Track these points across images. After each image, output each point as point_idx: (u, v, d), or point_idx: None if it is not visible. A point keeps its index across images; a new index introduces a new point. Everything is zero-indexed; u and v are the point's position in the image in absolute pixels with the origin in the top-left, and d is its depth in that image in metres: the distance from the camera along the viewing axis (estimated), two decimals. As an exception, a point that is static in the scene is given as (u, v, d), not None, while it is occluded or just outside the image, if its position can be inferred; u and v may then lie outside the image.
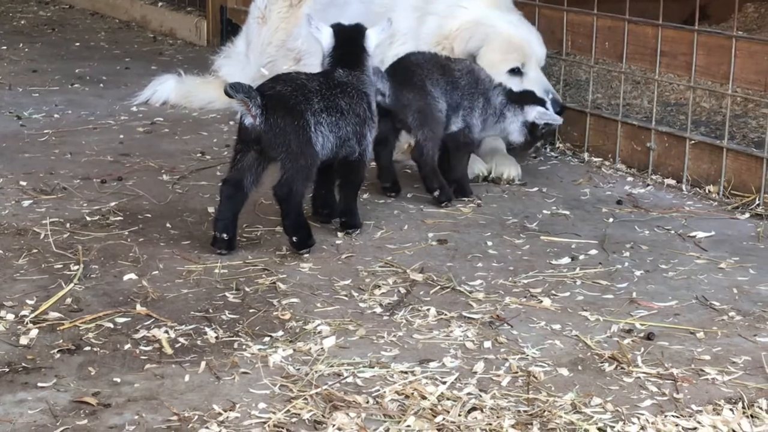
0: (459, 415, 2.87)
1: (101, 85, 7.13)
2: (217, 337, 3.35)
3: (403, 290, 3.75)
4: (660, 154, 5.17)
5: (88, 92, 6.91)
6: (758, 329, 3.47)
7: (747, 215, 4.60)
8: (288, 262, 4.00)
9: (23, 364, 3.16)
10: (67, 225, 4.33)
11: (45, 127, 5.93)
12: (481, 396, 2.98)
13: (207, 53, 7.65)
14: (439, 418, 2.85)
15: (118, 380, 3.07)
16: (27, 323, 3.42)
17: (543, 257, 4.10)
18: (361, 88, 4.22)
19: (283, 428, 2.83)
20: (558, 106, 5.01)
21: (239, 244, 4.11)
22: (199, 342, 3.33)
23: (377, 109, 4.35)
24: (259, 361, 3.19)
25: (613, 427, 2.84)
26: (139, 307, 3.55)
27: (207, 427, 2.82)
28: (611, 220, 4.56)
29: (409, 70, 4.67)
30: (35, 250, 4.05)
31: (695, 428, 2.84)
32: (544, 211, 4.65)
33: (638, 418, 2.88)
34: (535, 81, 5.06)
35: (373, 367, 3.16)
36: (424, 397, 2.96)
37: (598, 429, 2.83)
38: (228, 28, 8.36)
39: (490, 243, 4.24)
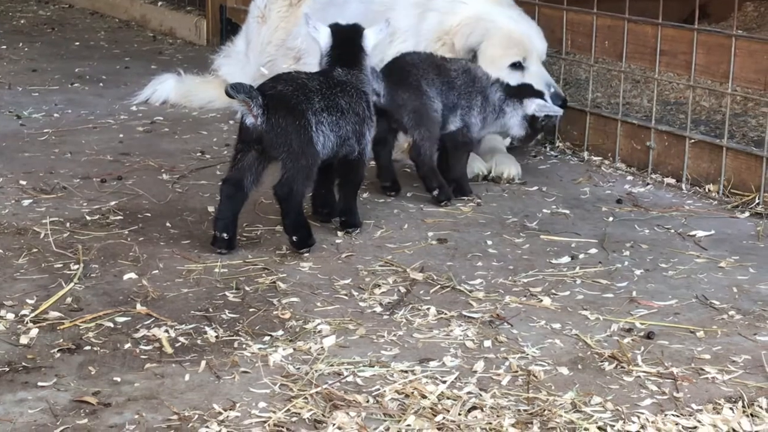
0: (459, 414, 2.87)
1: (101, 84, 7.14)
2: (217, 337, 3.35)
3: (403, 289, 3.75)
4: (660, 153, 5.17)
5: (88, 91, 6.92)
6: (758, 328, 3.47)
7: (747, 214, 4.60)
8: (288, 262, 4.00)
9: (23, 364, 3.16)
10: (67, 224, 4.33)
11: (45, 127, 5.93)
12: (481, 395, 2.98)
13: (207, 52, 7.65)
14: (439, 417, 2.85)
15: (119, 379, 3.07)
16: (27, 323, 3.42)
17: (543, 256, 4.10)
18: (360, 87, 4.22)
19: (283, 427, 2.83)
20: (560, 100, 5.01)
21: (239, 243, 4.11)
22: (199, 341, 3.33)
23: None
24: (259, 361, 3.19)
25: (613, 426, 2.84)
26: (139, 307, 3.55)
27: (207, 427, 2.82)
28: (611, 219, 4.57)
29: (405, 70, 4.67)
30: (35, 250, 4.05)
31: (695, 427, 2.84)
32: (544, 210, 4.65)
33: (638, 417, 2.88)
34: (536, 75, 5.07)
35: (373, 367, 3.16)
36: (424, 396, 2.96)
37: (598, 428, 2.83)
38: (228, 27, 8.36)
39: (490, 242, 4.25)
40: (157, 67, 7.55)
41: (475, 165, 5.05)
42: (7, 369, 3.12)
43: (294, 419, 2.87)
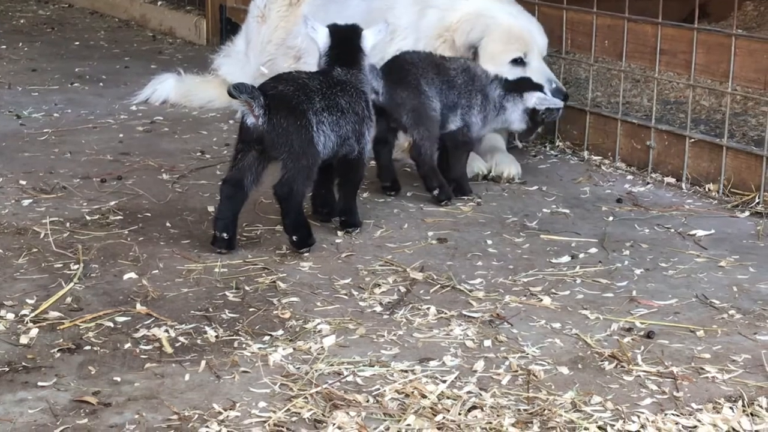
0: (459, 414, 2.87)
1: (101, 84, 7.14)
2: (217, 336, 3.35)
3: (403, 289, 3.75)
4: (660, 152, 5.17)
5: (88, 91, 6.92)
6: (758, 327, 3.47)
7: (747, 213, 4.60)
8: (288, 261, 4.00)
9: (23, 364, 3.16)
10: (67, 224, 4.33)
11: (44, 126, 5.93)
12: (481, 395, 2.98)
13: (206, 52, 7.64)
14: (439, 417, 2.85)
15: (119, 379, 3.07)
16: (27, 322, 3.42)
17: (543, 256, 4.10)
18: (359, 86, 4.22)
19: (283, 427, 2.83)
20: (561, 95, 5.02)
21: (239, 243, 4.11)
22: (199, 341, 3.33)
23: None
24: (259, 360, 3.19)
25: (613, 425, 2.84)
26: (139, 307, 3.55)
27: (207, 426, 2.82)
28: (611, 218, 4.57)
29: (404, 69, 4.67)
30: (35, 250, 4.05)
31: (695, 426, 2.84)
32: (544, 210, 4.65)
33: (638, 417, 2.88)
34: (537, 71, 5.07)
35: (373, 366, 3.16)
36: (424, 396, 2.96)
37: (598, 428, 2.83)
38: (227, 26, 8.36)
39: (489, 242, 4.25)
40: (156, 66, 7.55)
41: (475, 164, 5.05)
42: (7, 369, 3.12)
43: (294, 419, 2.87)
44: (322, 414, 2.88)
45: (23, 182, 4.87)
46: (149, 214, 4.49)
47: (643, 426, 2.84)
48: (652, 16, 5.25)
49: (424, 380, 3.06)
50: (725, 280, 3.88)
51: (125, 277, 3.82)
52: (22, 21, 9.80)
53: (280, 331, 3.39)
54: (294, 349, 3.26)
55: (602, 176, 5.20)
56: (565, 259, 4.06)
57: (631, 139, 5.32)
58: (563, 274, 3.90)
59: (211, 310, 3.57)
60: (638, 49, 5.34)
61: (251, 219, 4.39)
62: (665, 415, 2.89)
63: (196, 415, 2.88)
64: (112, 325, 3.43)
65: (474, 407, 2.91)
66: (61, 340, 3.32)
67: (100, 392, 2.99)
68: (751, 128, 5.54)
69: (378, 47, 4.64)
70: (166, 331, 3.38)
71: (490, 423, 2.83)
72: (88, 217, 4.43)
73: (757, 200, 4.66)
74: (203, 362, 3.17)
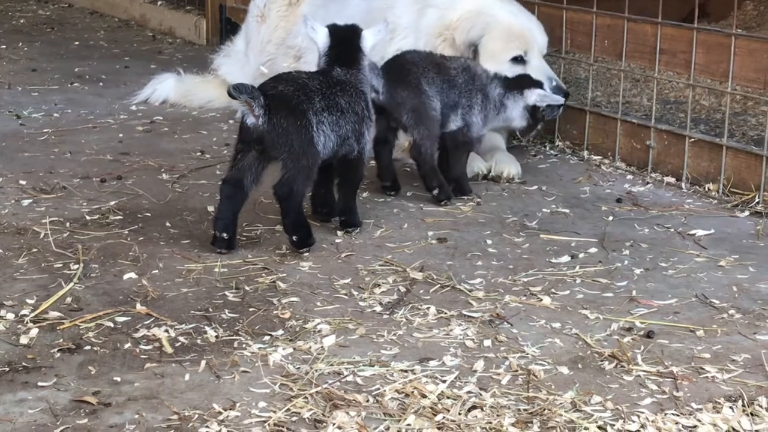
0: (459, 414, 2.87)
1: (101, 84, 7.13)
2: (217, 336, 3.35)
3: (402, 289, 3.75)
4: (659, 152, 5.17)
5: (88, 91, 6.91)
6: (758, 327, 3.48)
7: (746, 213, 4.60)
8: (288, 261, 4.00)
9: (23, 364, 3.16)
10: (67, 224, 4.33)
11: (44, 126, 5.93)
12: (481, 394, 2.99)
13: (206, 52, 7.64)
14: (439, 417, 2.85)
15: (119, 379, 3.07)
16: (27, 322, 3.43)
17: (543, 255, 4.10)
18: (358, 86, 4.22)
19: (283, 427, 2.83)
20: (562, 93, 5.02)
21: (239, 243, 4.11)
22: (199, 341, 3.33)
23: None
24: (259, 360, 3.19)
25: (613, 425, 2.84)
26: (139, 306, 3.56)
27: (207, 426, 2.83)
28: (611, 218, 4.57)
29: (404, 69, 4.67)
30: (35, 250, 4.05)
31: (695, 426, 2.84)
32: (544, 210, 4.65)
33: (638, 417, 2.88)
34: (537, 69, 5.07)
35: (373, 366, 3.16)
36: (424, 396, 2.96)
37: (598, 427, 2.83)
38: (227, 26, 8.36)
39: (489, 241, 4.25)
40: (156, 66, 7.55)
41: (475, 164, 5.05)
42: (7, 369, 3.12)
43: (294, 419, 2.87)
44: (322, 414, 2.88)
45: (23, 182, 4.87)
46: (149, 214, 4.49)
47: (643, 426, 2.84)
48: (651, 15, 5.25)
49: (424, 380, 3.06)
50: (725, 279, 3.88)
51: (125, 277, 3.82)
52: (22, 21, 9.80)
53: (280, 331, 3.39)
54: (294, 349, 3.26)
55: (602, 176, 5.20)
56: (565, 258, 4.06)
57: (630, 139, 5.32)
58: (563, 274, 3.90)
59: (211, 310, 3.57)
60: (638, 49, 5.34)
61: (251, 219, 4.39)
62: (665, 414, 2.89)
63: (196, 415, 2.88)
64: (112, 325, 3.43)
65: (474, 407, 2.91)
66: (61, 340, 3.32)
67: (100, 392, 2.99)
68: (751, 128, 5.54)
69: (378, 46, 4.64)
70: (166, 331, 3.39)
71: (490, 423, 2.83)
72: (88, 217, 4.43)
73: (756, 200, 4.66)
74: (203, 362, 3.17)
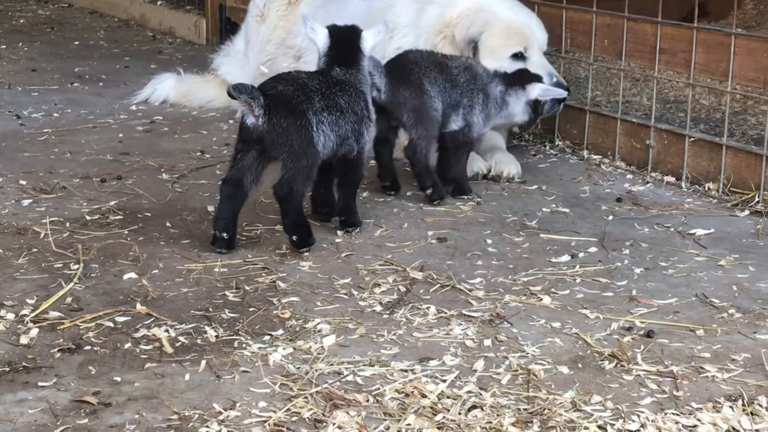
0: (459, 414, 2.87)
1: (101, 83, 7.14)
2: (217, 336, 3.35)
3: (402, 288, 3.75)
4: (659, 151, 5.17)
5: (88, 91, 6.92)
6: (758, 326, 3.48)
7: (746, 212, 4.60)
8: (288, 261, 4.00)
9: (24, 364, 3.16)
10: (67, 224, 4.34)
11: (44, 126, 5.93)
12: (481, 394, 2.99)
13: (206, 52, 7.64)
14: (439, 417, 2.85)
15: (119, 379, 3.07)
16: (27, 322, 3.43)
17: (543, 255, 4.10)
18: (358, 86, 4.22)
19: (283, 427, 2.83)
20: (563, 89, 5.02)
21: (239, 242, 4.11)
22: (199, 341, 3.33)
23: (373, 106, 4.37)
24: (259, 360, 3.19)
25: (613, 424, 2.84)
26: (139, 306, 3.56)
27: (207, 426, 2.83)
28: (611, 217, 4.57)
29: (407, 69, 4.67)
30: (35, 250, 4.05)
31: (695, 426, 2.84)
32: (544, 209, 4.65)
33: (638, 416, 2.88)
34: (538, 65, 5.07)
35: (373, 366, 3.16)
36: (424, 396, 2.96)
37: (598, 427, 2.83)
38: (227, 26, 8.36)
39: (489, 241, 4.25)
40: (156, 66, 7.55)
41: (475, 164, 5.05)
42: (8, 369, 3.12)
43: (294, 419, 2.87)
44: (323, 414, 2.88)
45: (23, 182, 4.87)
46: (149, 214, 4.49)
47: (643, 425, 2.84)
48: (651, 15, 5.25)
49: (424, 380, 3.06)
50: (725, 279, 3.88)
51: (125, 277, 3.82)
52: (21, 21, 9.80)
53: (280, 331, 3.39)
54: (294, 348, 3.26)
55: (602, 175, 5.20)
56: (565, 258, 4.06)
57: (630, 138, 5.32)
58: (563, 274, 3.90)
59: (211, 309, 3.57)
60: (638, 48, 5.34)
61: (251, 219, 4.39)
62: (665, 414, 2.89)
63: (196, 415, 2.88)
64: (112, 325, 3.44)
65: (474, 407, 2.91)
66: (62, 340, 3.32)
67: (101, 392, 3.00)
68: (751, 127, 5.54)
69: (378, 45, 4.64)
70: (166, 331, 3.39)
71: (490, 422, 2.83)
72: (88, 217, 4.43)
73: (756, 199, 4.66)
74: (203, 362, 3.17)
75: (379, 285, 3.77)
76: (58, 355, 3.22)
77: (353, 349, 3.28)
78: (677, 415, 2.89)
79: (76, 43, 8.74)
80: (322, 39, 4.30)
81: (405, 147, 4.78)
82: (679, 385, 3.07)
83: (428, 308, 3.57)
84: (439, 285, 3.78)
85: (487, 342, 3.33)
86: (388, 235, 4.29)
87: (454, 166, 4.80)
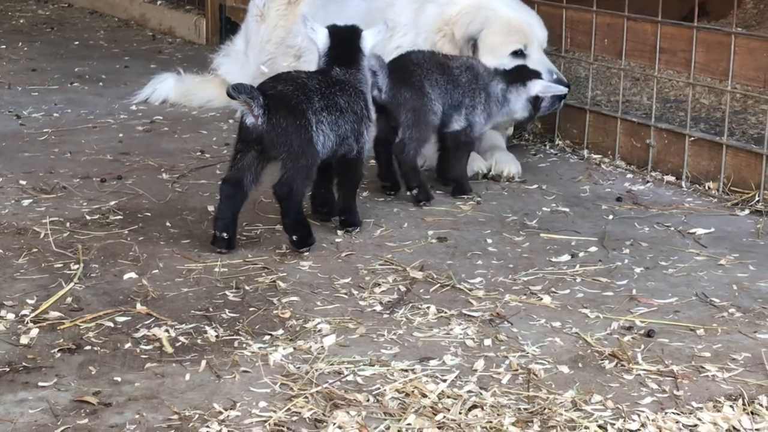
0: (459, 413, 2.87)
1: (100, 83, 7.14)
2: (217, 336, 3.35)
3: (403, 288, 3.75)
4: (659, 150, 5.17)
5: (88, 91, 6.92)
6: (758, 326, 3.48)
7: (747, 212, 4.60)
8: (288, 261, 4.00)
9: (24, 364, 3.16)
10: (67, 224, 4.33)
11: (44, 126, 5.93)
12: (481, 394, 2.99)
13: (206, 51, 7.64)
14: (439, 416, 2.85)
15: (119, 379, 3.07)
16: (27, 322, 3.43)
17: (543, 254, 4.10)
18: (358, 86, 4.22)
19: (283, 427, 2.83)
20: (564, 86, 5.02)
21: (239, 242, 4.11)
22: (199, 341, 3.33)
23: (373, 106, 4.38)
24: (259, 360, 3.19)
25: (614, 424, 2.84)
26: (139, 306, 3.56)
27: (207, 426, 2.82)
28: (611, 217, 4.57)
29: (408, 70, 4.66)
30: (35, 250, 4.05)
31: (695, 425, 2.84)
32: (544, 209, 4.65)
33: (638, 416, 2.88)
34: (538, 63, 5.07)
35: (373, 365, 3.16)
36: (424, 395, 2.96)
37: (599, 426, 2.83)
38: (227, 26, 8.36)
39: (489, 240, 4.25)
40: (156, 66, 7.55)
41: (475, 163, 5.05)
42: (8, 369, 3.12)
43: (294, 418, 2.87)
44: (323, 413, 2.88)
45: (23, 182, 4.87)
46: (149, 214, 4.49)
47: (643, 425, 2.84)
48: (651, 14, 5.25)
49: (424, 379, 3.06)
50: (725, 278, 3.88)
51: (125, 277, 3.82)
52: (21, 21, 9.80)
53: (281, 331, 3.39)
54: (294, 348, 3.26)
55: (602, 175, 5.20)
56: (565, 257, 4.06)
57: (630, 138, 5.32)
58: (563, 273, 3.90)
59: (211, 309, 3.57)
60: (638, 48, 5.34)
61: (251, 218, 4.39)
62: (665, 413, 2.89)
63: (197, 415, 2.88)
64: (112, 325, 3.44)
65: (474, 406, 2.91)
66: (62, 340, 3.32)
67: (101, 392, 3.00)
68: (751, 126, 5.54)
69: (378, 45, 4.64)
70: (167, 330, 3.39)
71: (491, 422, 2.83)
72: (88, 217, 4.43)
73: (756, 198, 4.66)
74: (203, 362, 3.17)
75: (379, 285, 3.77)
76: (59, 355, 3.22)
77: (353, 349, 3.28)
78: (678, 414, 2.89)
79: (76, 43, 8.74)
80: (322, 39, 4.30)
81: (394, 144, 4.74)
82: (680, 384, 3.07)
83: (428, 308, 3.57)
84: (439, 285, 3.78)
85: (488, 342, 3.33)
86: (388, 235, 4.29)
87: (455, 165, 4.80)
